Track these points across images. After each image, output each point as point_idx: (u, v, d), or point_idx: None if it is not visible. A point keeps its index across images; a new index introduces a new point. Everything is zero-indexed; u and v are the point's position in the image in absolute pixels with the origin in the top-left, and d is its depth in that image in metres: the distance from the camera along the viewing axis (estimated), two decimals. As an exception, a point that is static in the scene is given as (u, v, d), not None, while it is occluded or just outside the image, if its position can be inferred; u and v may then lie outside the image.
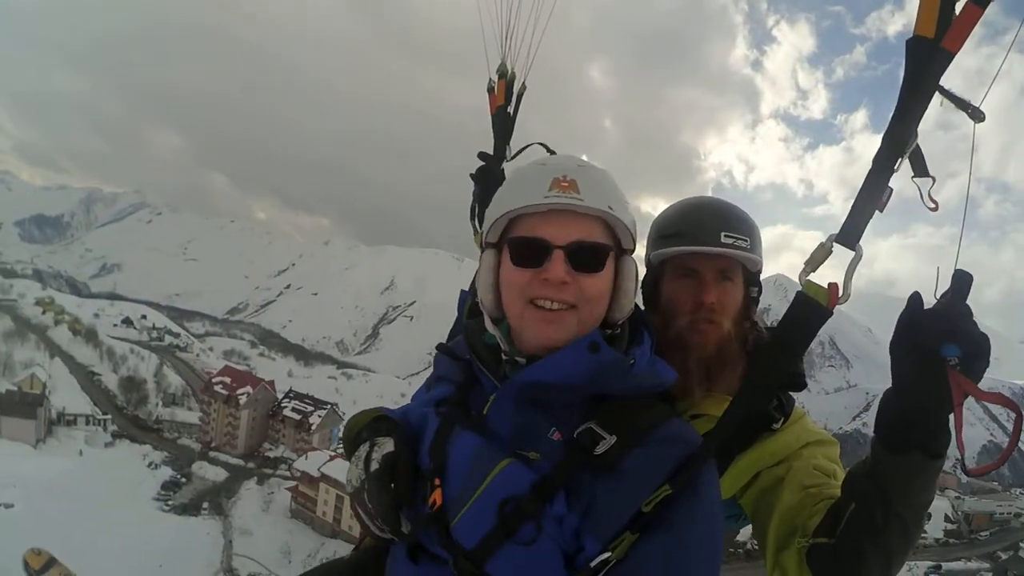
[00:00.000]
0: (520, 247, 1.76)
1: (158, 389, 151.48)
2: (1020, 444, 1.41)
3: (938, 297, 1.58)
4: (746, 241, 2.30)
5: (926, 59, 1.68)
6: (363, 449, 1.85)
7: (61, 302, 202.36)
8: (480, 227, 2.38)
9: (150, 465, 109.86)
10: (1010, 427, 1.37)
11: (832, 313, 1.82)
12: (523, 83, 3.12)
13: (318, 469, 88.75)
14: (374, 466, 1.78)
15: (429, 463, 1.77)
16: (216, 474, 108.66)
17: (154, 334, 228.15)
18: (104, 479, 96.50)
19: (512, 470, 1.63)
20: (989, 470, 1.53)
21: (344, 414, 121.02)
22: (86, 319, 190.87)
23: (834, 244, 1.82)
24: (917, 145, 1.77)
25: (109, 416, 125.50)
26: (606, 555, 1.52)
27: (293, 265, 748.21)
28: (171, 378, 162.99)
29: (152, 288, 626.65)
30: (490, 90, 3.18)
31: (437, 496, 1.68)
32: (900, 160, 1.76)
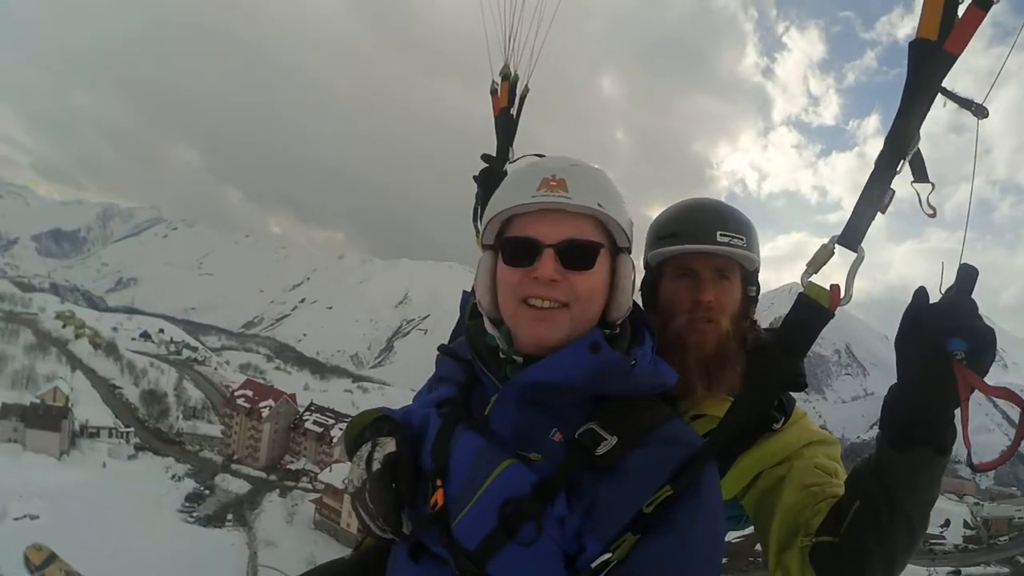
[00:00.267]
0: (512, 247, 1.78)
1: (178, 402, 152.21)
2: None
3: (943, 292, 1.58)
4: (742, 240, 2.32)
5: (929, 61, 1.69)
6: (365, 449, 1.85)
7: (80, 316, 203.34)
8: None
9: (173, 477, 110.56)
10: None
11: (833, 315, 1.82)
12: (526, 85, 3.15)
13: (343, 481, 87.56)
14: (376, 466, 1.79)
15: (431, 464, 1.77)
16: (239, 486, 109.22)
17: (172, 348, 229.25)
18: (128, 491, 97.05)
19: (513, 471, 1.63)
20: (995, 465, 1.52)
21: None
22: (105, 333, 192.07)
23: (836, 245, 1.82)
24: (918, 149, 1.77)
25: (132, 429, 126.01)
26: (607, 556, 1.53)
27: (308, 279, 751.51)
28: (191, 391, 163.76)
29: (168, 302, 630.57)
30: (493, 92, 3.21)
31: (439, 496, 1.68)
32: (902, 162, 1.76)
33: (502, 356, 1.86)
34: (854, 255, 1.79)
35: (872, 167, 1.81)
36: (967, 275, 1.54)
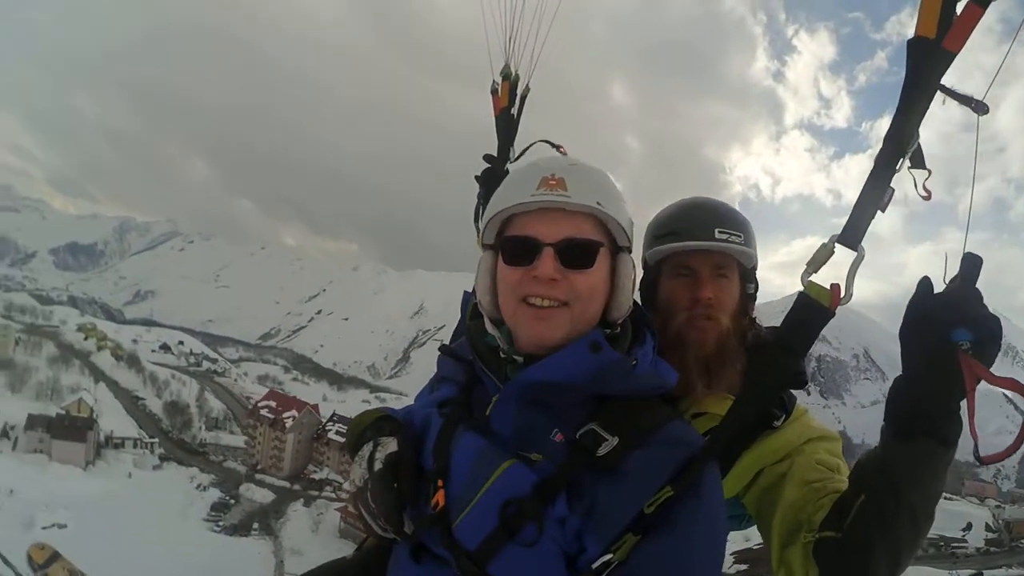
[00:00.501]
0: (511, 246, 1.78)
1: (200, 413, 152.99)
2: None
3: (947, 282, 1.57)
4: (740, 237, 2.33)
5: (927, 59, 1.69)
6: (367, 449, 1.87)
7: (101, 328, 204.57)
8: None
9: (198, 487, 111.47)
10: None
11: (834, 314, 1.82)
12: (527, 85, 3.17)
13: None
14: (377, 466, 1.80)
15: (432, 464, 1.77)
16: (264, 496, 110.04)
17: (192, 359, 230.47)
18: (154, 500, 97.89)
19: (514, 471, 1.63)
20: (1002, 458, 1.48)
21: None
22: (126, 345, 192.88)
23: (836, 244, 1.81)
24: (919, 144, 1.77)
25: (156, 439, 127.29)
26: (608, 557, 1.52)
27: (323, 291, 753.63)
28: (212, 402, 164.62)
29: (185, 314, 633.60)
30: (494, 92, 3.22)
31: (440, 497, 1.68)
32: (902, 160, 1.76)
33: (503, 356, 1.85)
34: (854, 254, 1.79)
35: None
36: (971, 264, 1.54)
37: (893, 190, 1.77)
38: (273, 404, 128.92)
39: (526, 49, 3.03)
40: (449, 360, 2.04)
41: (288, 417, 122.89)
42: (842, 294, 1.79)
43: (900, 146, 1.75)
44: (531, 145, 2.51)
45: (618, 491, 1.58)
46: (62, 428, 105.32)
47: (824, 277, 1.78)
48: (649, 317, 1.94)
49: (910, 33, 1.66)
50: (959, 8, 1.65)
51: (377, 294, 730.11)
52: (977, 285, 1.57)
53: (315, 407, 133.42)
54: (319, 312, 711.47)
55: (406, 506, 1.75)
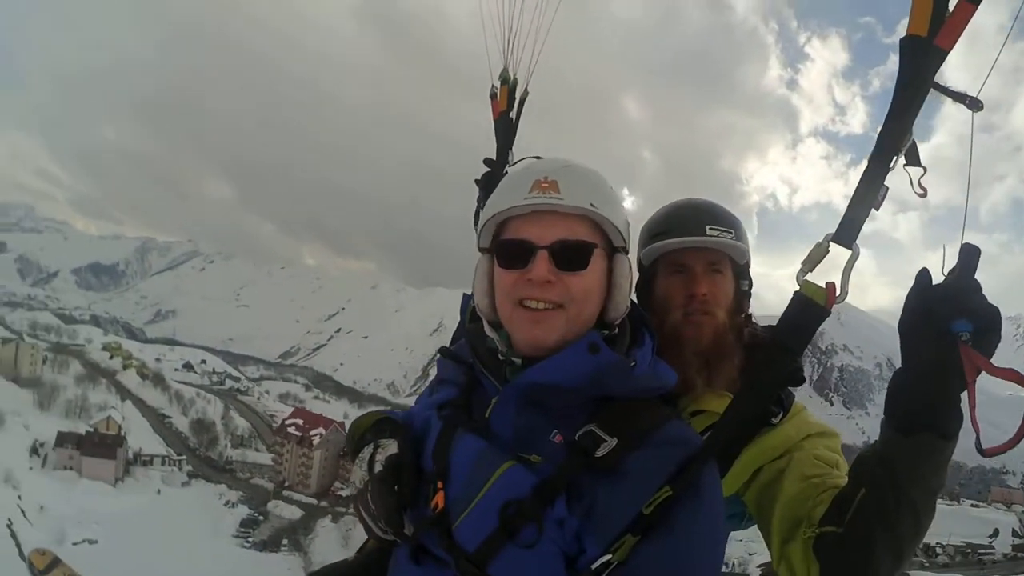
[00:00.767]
0: (506, 249, 1.78)
1: (226, 431, 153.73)
2: None
3: (946, 274, 1.56)
4: (732, 233, 2.36)
5: (920, 57, 1.69)
6: (367, 451, 1.87)
7: (126, 347, 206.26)
8: None
9: (227, 504, 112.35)
10: None
11: (830, 312, 1.82)
12: (526, 89, 3.18)
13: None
14: (378, 468, 1.81)
15: (432, 466, 1.76)
16: (292, 512, 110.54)
17: (215, 378, 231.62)
18: (183, 516, 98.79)
19: (514, 473, 1.62)
20: (1004, 449, 1.47)
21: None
22: (150, 364, 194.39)
23: (831, 244, 1.82)
24: (913, 141, 1.77)
25: (183, 457, 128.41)
26: (607, 557, 1.52)
27: (343, 309, 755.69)
28: (237, 420, 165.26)
29: (206, 333, 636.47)
30: (493, 96, 3.25)
31: (439, 499, 1.68)
32: (896, 158, 1.76)
33: (501, 358, 1.85)
34: (849, 252, 1.80)
35: (894, 172, 1.79)
36: (969, 255, 1.53)
37: (887, 188, 1.78)
38: (300, 422, 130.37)
39: (524, 54, 3.07)
40: (449, 362, 2.04)
41: (315, 435, 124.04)
42: (837, 292, 1.80)
43: (894, 144, 1.75)
44: (524, 159, 2.42)
45: (617, 492, 1.58)
46: (92, 445, 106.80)
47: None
48: (648, 318, 1.94)
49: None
50: (951, 6, 1.65)
51: (396, 312, 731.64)
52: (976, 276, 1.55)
53: (341, 424, 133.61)
54: (339, 331, 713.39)
55: (406, 508, 1.75)
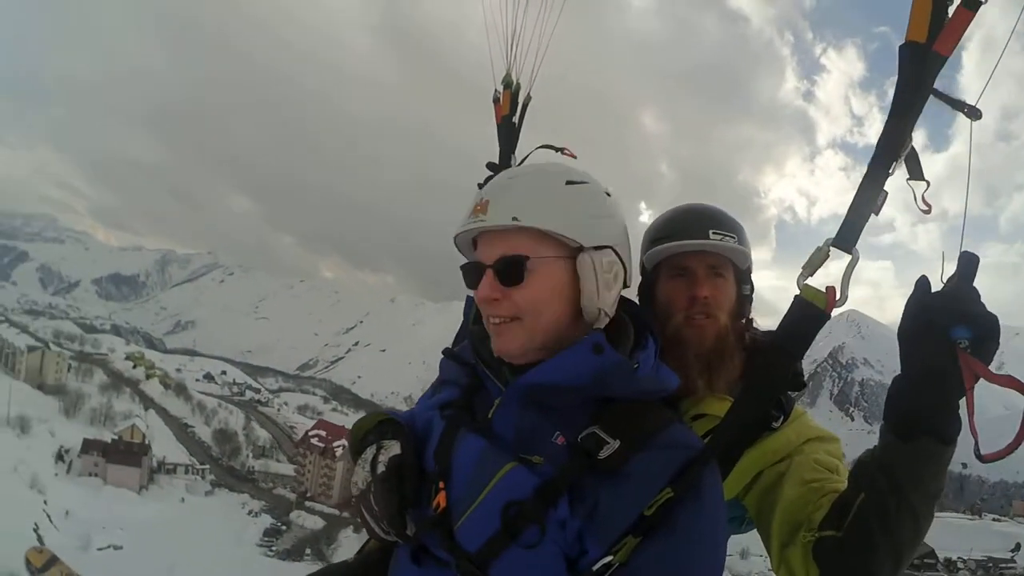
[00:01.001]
0: (464, 271, 1.84)
1: (248, 441, 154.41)
2: None
3: (945, 281, 1.58)
4: (734, 237, 2.37)
5: (919, 63, 1.70)
6: (369, 452, 1.86)
7: (149, 357, 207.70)
8: None
9: (250, 513, 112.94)
10: None
11: (830, 316, 1.83)
12: (528, 94, 3.20)
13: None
14: (380, 469, 1.79)
15: (434, 466, 1.77)
16: (314, 523, 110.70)
17: (235, 389, 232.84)
18: (207, 525, 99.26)
19: (516, 474, 1.62)
20: (1002, 455, 1.47)
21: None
22: (171, 374, 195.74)
23: (831, 248, 1.83)
24: (913, 148, 1.78)
25: (207, 466, 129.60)
26: (608, 559, 1.53)
27: (361, 322, 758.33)
28: (258, 431, 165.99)
29: (225, 345, 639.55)
30: (495, 100, 3.25)
31: (441, 499, 1.68)
32: (895, 164, 1.77)
33: (503, 360, 1.85)
34: (849, 257, 1.81)
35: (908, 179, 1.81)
36: (968, 263, 1.55)
37: (887, 193, 1.79)
38: (323, 433, 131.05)
39: (527, 58, 3.07)
40: (452, 363, 2.04)
41: (338, 446, 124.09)
42: (837, 296, 1.81)
43: (893, 150, 1.76)
44: (533, 151, 2.50)
45: (619, 494, 1.59)
46: (118, 453, 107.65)
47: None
48: (651, 321, 1.94)
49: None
50: (951, 12, 1.66)
51: (414, 326, 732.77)
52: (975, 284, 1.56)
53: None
54: (357, 343, 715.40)
55: (408, 509, 1.75)
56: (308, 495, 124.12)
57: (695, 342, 2.30)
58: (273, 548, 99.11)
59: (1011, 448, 1.42)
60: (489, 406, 1.81)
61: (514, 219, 1.71)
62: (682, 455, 1.64)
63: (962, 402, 1.55)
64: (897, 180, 1.77)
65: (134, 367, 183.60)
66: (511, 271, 1.72)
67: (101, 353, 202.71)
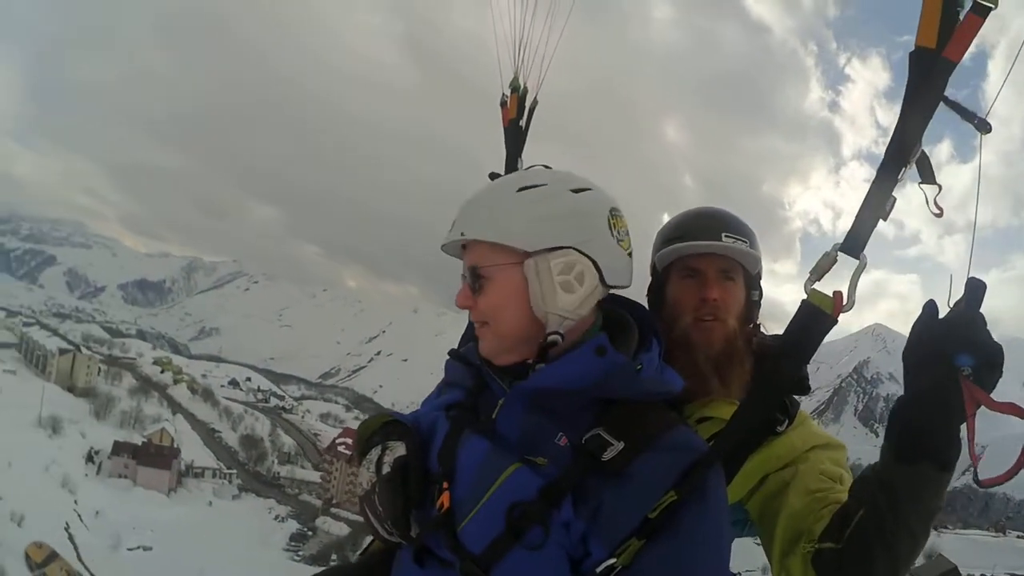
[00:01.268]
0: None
1: (273, 448, 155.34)
2: None
3: (951, 306, 1.59)
4: (746, 242, 2.38)
5: (928, 69, 1.70)
6: (375, 452, 1.86)
7: (176, 363, 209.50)
8: None
9: (276, 518, 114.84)
10: None
11: (836, 321, 1.85)
12: (535, 98, 3.19)
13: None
14: (386, 469, 1.79)
15: (438, 467, 1.78)
16: (340, 529, 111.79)
17: (259, 395, 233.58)
18: (235, 528, 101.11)
19: (520, 475, 1.63)
20: (1001, 481, 1.51)
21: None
22: (197, 379, 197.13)
23: (839, 253, 1.84)
24: (924, 153, 1.79)
25: (234, 471, 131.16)
26: (612, 561, 1.53)
27: (383, 332, 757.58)
28: (283, 438, 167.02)
29: (249, 352, 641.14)
30: (503, 104, 3.26)
31: (445, 499, 1.68)
32: (904, 169, 1.77)
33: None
34: (856, 262, 1.82)
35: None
36: (975, 289, 1.55)
37: (895, 199, 1.80)
38: (350, 441, 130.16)
39: (535, 62, 3.08)
40: (458, 365, 2.06)
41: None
42: (844, 302, 1.82)
43: (902, 155, 1.77)
44: (534, 166, 2.31)
45: (623, 495, 1.58)
46: (148, 456, 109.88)
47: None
48: (656, 323, 1.93)
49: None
50: (961, 17, 1.67)
51: (437, 336, 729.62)
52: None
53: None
54: (379, 353, 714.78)
55: (412, 510, 1.75)
56: (334, 502, 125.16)
57: (703, 344, 2.31)
58: (300, 553, 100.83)
59: (1010, 474, 1.43)
60: (493, 407, 1.81)
61: (462, 234, 1.79)
62: (686, 457, 1.64)
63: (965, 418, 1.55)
64: (929, 191, 1.76)
65: (162, 372, 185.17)
66: (474, 280, 1.79)
67: (130, 357, 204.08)
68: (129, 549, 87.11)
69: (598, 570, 1.53)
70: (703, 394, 2.26)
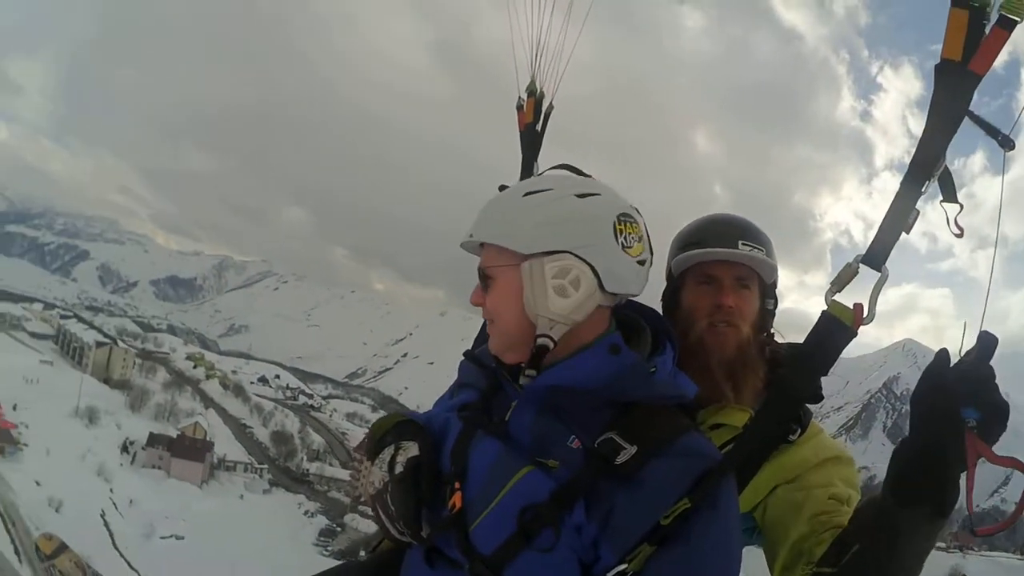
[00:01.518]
0: None
1: (303, 445, 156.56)
2: None
3: (962, 354, 1.58)
4: (763, 250, 2.36)
5: (954, 82, 1.70)
6: (388, 452, 1.85)
7: (208, 359, 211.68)
8: None
9: (306, 513, 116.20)
10: None
11: (856, 333, 1.85)
12: (551, 103, 3.19)
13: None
14: (398, 469, 1.78)
15: (450, 467, 1.77)
16: (368, 526, 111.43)
17: (288, 393, 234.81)
18: (265, 522, 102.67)
19: (532, 478, 1.62)
20: (996, 531, 1.55)
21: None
22: (228, 375, 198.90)
23: (860, 265, 1.83)
24: (947, 169, 1.77)
25: (265, 465, 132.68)
26: (623, 567, 1.52)
27: (410, 335, 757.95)
28: (312, 435, 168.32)
29: (276, 350, 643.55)
30: (519, 108, 3.25)
31: (457, 499, 1.68)
32: (928, 183, 1.76)
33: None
34: (878, 275, 1.81)
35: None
36: (987, 343, 1.55)
37: (918, 212, 1.78)
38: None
39: (552, 67, 3.07)
40: (472, 366, 2.05)
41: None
42: (865, 314, 1.81)
43: (926, 170, 1.75)
44: (552, 168, 2.32)
45: (636, 500, 1.57)
46: (183, 448, 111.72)
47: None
48: (670, 328, 1.90)
49: (997, 61, 1.69)
50: (987, 30, 1.66)
51: (463, 340, 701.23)
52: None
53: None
54: (405, 355, 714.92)
55: (423, 510, 1.75)
56: (362, 500, 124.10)
57: (717, 350, 2.30)
58: (328, 548, 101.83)
59: (1006, 524, 1.49)
60: (506, 409, 1.80)
61: (470, 236, 1.82)
62: (699, 464, 1.62)
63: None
64: (962, 202, 1.72)
65: (194, 367, 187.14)
66: (482, 280, 1.82)
67: (163, 352, 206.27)
68: (162, 538, 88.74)
69: (609, 575, 1.53)
70: (715, 400, 2.27)
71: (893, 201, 1.79)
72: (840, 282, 1.86)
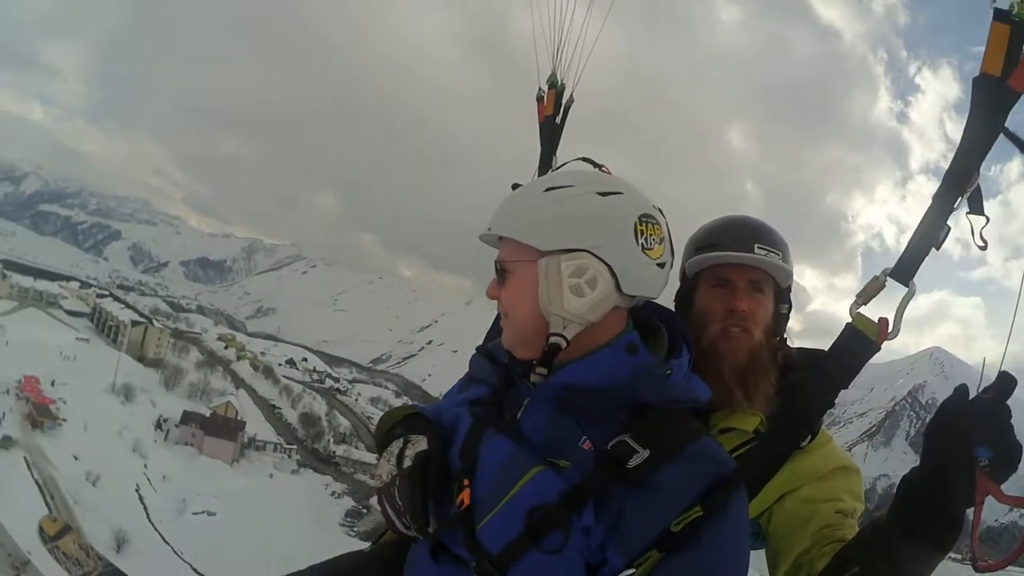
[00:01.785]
0: None
1: (330, 427, 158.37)
2: None
3: (981, 391, 1.56)
4: (779, 254, 2.32)
5: (992, 98, 1.67)
6: (396, 445, 1.82)
7: (240, 340, 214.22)
8: None
9: (333, 494, 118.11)
10: None
11: (879, 348, 1.85)
12: (571, 95, 3.17)
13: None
14: (407, 463, 1.76)
15: (459, 463, 1.75)
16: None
17: (315, 376, 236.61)
18: (293, 501, 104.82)
19: (543, 478, 1.59)
20: (999, 567, 1.51)
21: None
22: (258, 356, 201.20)
23: (888, 279, 1.82)
24: (978, 187, 1.75)
25: (293, 446, 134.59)
26: (630, 572, 1.50)
27: (435, 322, 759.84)
28: (339, 418, 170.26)
29: (303, 333, 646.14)
30: (539, 99, 3.23)
31: (465, 496, 1.65)
32: (960, 199, 1.74)
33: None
34: (905, 289, 1.80)
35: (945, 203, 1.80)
36: (1006, 383, 1.53)
37: (949, 228, 1.77)
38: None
39: (573, 60, 3.04)
40: (484, 361, 2.02)
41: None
42: (889, 329, 1.81)
43: (960, 185, 1.73)
44: (571, 160, 2.28)
45: (647, 505, 1.54)
46: (215, 426, 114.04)
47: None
48: (686, 331, 1.87)
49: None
50: None
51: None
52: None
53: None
54: (430, 342, 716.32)
55: (431, 505, 1.73)
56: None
57: (730, 354, 2.27)
58: (355, 528, 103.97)
59: (1008, 561, 1.48)
60: (518, 406, 1.77)
61: (489, 229, 1.80)
62: (712, 470, 1.59)
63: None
64: (997, 209, 1.69)
65: (226, 347, 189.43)
66: (499, 273, 1.79)
67: (195, 332, 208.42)
68: (194, 513, 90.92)
69: None
70: (726, 404, 2.25)
71: (924, 216, 1.77)
72: (866, 295, 1.85)
